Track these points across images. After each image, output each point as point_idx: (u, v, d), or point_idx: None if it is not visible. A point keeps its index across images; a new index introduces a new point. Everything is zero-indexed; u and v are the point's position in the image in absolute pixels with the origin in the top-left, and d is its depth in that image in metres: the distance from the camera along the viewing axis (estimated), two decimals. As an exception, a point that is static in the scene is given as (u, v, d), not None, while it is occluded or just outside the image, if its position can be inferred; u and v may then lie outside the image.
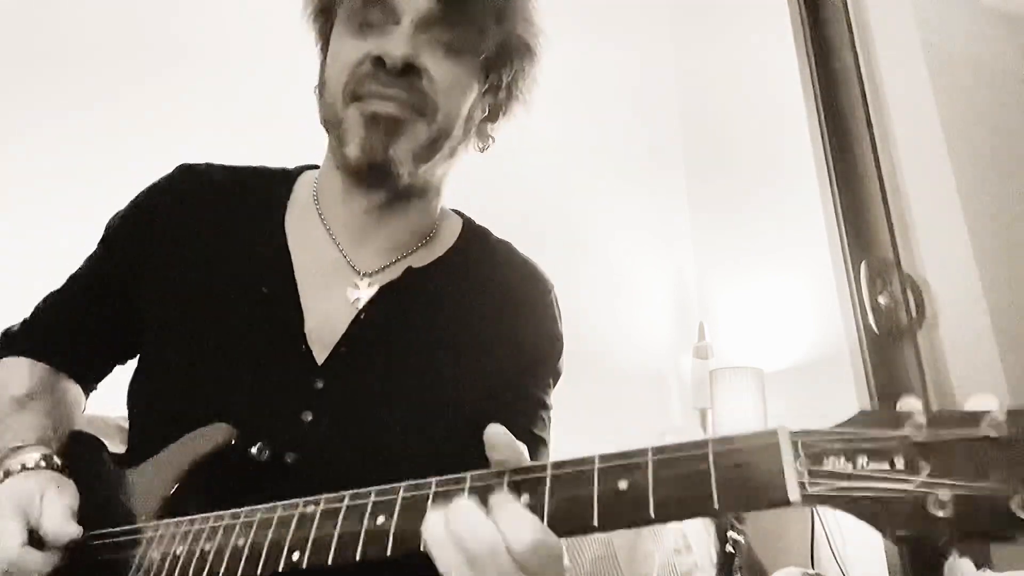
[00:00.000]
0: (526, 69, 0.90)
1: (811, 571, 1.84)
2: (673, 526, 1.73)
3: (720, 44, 2.77)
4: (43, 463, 0.78)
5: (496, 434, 0.56)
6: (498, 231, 1.01)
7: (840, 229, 2.03)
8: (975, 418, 0.43)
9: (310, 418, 0.80)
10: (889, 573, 1.80)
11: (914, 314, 1.85)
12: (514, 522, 0.52)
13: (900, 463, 0.44)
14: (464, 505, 0.54)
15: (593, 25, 2.76)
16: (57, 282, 0.96)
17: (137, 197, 0.95)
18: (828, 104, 2.15)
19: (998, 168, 1.87)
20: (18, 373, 0.88)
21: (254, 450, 0.78)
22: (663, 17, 2.98)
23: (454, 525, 0.53)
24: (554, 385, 0.94)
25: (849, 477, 0.45)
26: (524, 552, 0.51)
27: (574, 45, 2.68)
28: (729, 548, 1.84)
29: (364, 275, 0.87)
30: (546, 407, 0.91)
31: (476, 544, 0.52)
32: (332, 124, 0.84)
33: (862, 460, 0.45)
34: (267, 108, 1.90)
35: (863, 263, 1.94)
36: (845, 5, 2.16)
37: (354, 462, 0.64)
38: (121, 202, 0.96)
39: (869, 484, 0.44)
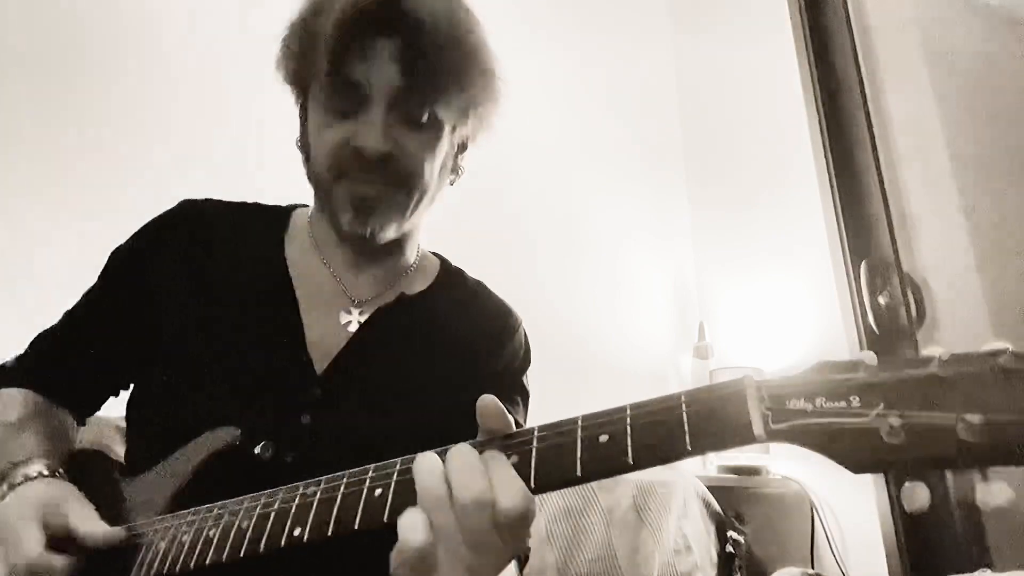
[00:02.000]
0: (490, 111, 0.95)
1: (811, 571, 1.84)
2: (672, 527, 1.73)
3: (720, 44, 2.77)
4: (45, 471, 0.80)
5: (488, 404, 0.61)
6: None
7: (840, 229, 2.03)
8: (923, 361, 0.48)
9: (308, 421, 0.85)
10: (889, 573, 1.80)
11: (914, 314, 1.85)
12: (507, 483, 0.56)
13: (856, 401, 0.49)
14: (465, 450, 0.58)
15: (593, 25, 2.76)
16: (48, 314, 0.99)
17: (139, 231, 1.00)
18: (828, 104, 2.15)
19: (998, 168, 1.87)
20: (12, 401, 0.91)
21: (258, 449, 0.82)
22: (663, 17, 2.98)
23: (451, 464, 0.57)
24: (525, 404, 1.01)
25: (809, 414, 0.50)
26: (508, 512, 0.55)
27: (574, 45, 2.68)
28: (729, 548, 1.84)
29: (358, 303, 0.95)
30: (516, 423, 0.96)
31: (467, 491, 0.55)
32: (322, 191, 0.92)
33: (820, 400, 0.50)
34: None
35: (863, 263, 1.94)
36: (845, 5, 2.16)
37: (348, 461, 0.68)
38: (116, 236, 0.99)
39: (827, 419, 0.49)
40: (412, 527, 0.56)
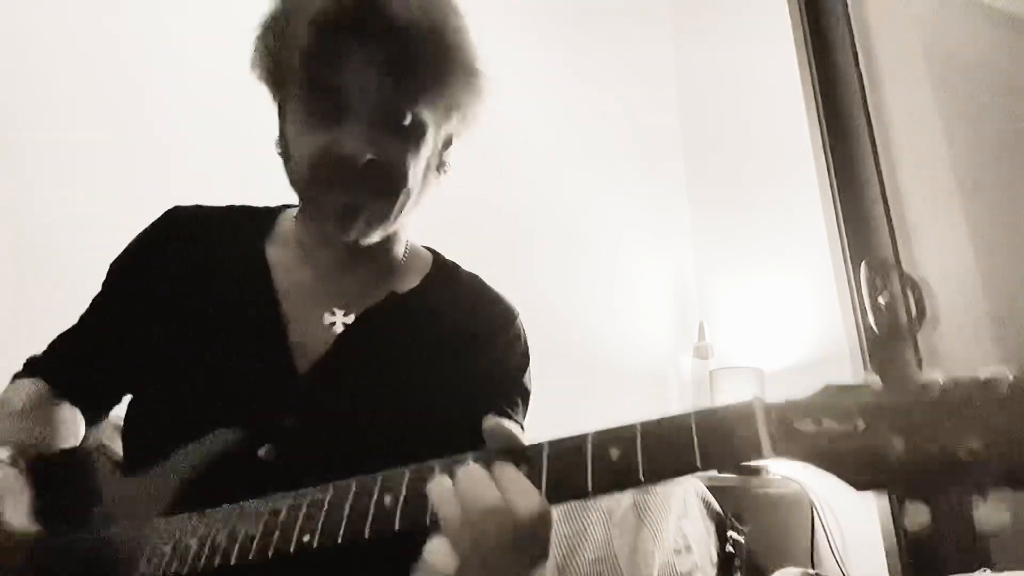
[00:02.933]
0: (474, 108, 0.92)
1: (811, 571, 1.84)
2: (672, 527, 1.73)
3: (720, 44, 2.77)
4: (5, 460, 0.81)
5: (493, 427, 0.62)
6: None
7: (840, 229, 2.04)
8: (926, 385, 0.50)
9: (291, 423, 0.84)
10: (889, 573, 1.80)
11: (914, 314, 1.85)
12: (519, 491, 0.57)
13: (861, 423, 0.51)
14: (473, 468, 0.59)
15: (593, 24, 2.76)
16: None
17: (131, 242, 1.00)
18: (828, 104, 2.15)
19: (998, 168, 1.87)
20: (22, 392, 0.94)
21: (262, 452, 0.81)
22: (663, 17, 2.98)
23: (461, 484, 0.58)
24: (524, 404, 0.99)
25: (815, 436, 0.52)
26: (525, 519, 0.56)
27: (575, 45, 2.68)
28: (729, 548, 1.84)
29: (344, 304, 0.94)
30: (513, 423, 0.96)
31: (480, 504, 0.57)
32: (303, 196, 0.91)
33: (827, 422, 0.52)
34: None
35: (863, 263, 1.94)
36: (845, 5, 2.16)
37: (332, 462, 0.68)
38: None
39: (833, 441, 0.51)
40: (440, 554, 0.57)
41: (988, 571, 1.34)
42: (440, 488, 0.59)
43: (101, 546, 0.78)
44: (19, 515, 0.76)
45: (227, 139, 1.91)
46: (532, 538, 0.58)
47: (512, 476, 0.58)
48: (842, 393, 0.53)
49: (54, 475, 0.85)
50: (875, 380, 0.52)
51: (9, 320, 1.56)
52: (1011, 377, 0.48)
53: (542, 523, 0.57)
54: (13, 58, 1.77)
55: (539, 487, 0.58)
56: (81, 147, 1.80)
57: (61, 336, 1.01)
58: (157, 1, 1.99)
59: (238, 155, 1.88)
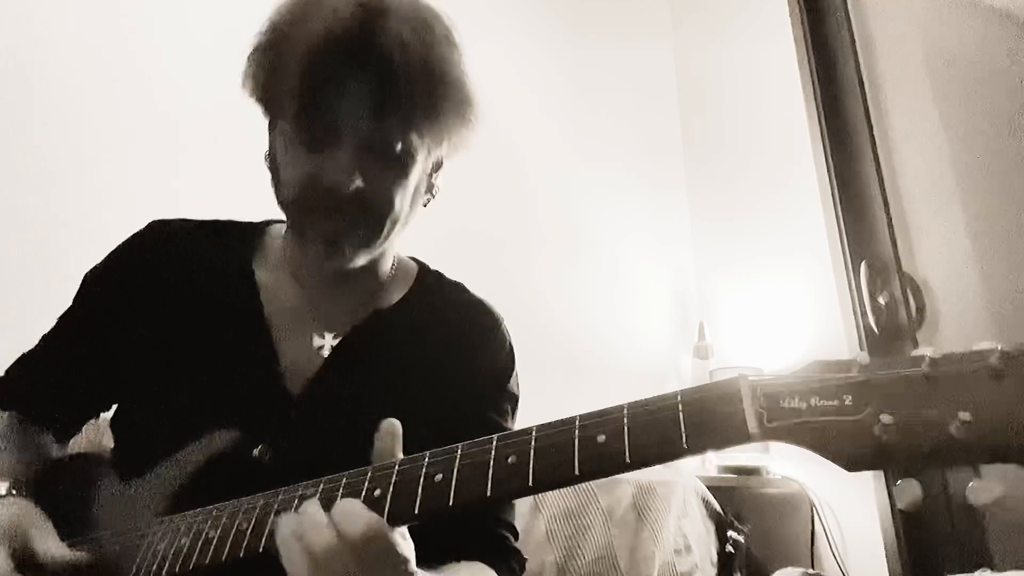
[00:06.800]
0: (465, 136, 0.91)
1: (811, 571, 1.84)
2: (672, 527, 1.73)
3: (720, 44, 2.77)
4: (3, 491, 0.81)
5: (387, 428, 0.67)
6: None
7: (840, 229, 2.04)
8: (915, 360, 0.49)
9: (286, 446, 0.85)
10: (889, 573, 1.80)
11: (914, 314, 1.85)
12: (347, 514, 0.60)
13: (848, 400, 0.50)
14: (310, 509, 0.62)
15: (593, 25, 2.76)
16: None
17: (111, 253, 0.99)
18: (828, 104, 2.15)
19: (998, 168, 1.87)
20: None
21: (256, 452, 0.83)
22: (663, 17, 2.98)
23: (301, 528, 0.61)
24: (513, 410, 0.99)
25: (803, 413, 0.51)
26: (355, 539, 0.59)
27: (574, 46, 2.68)
28: (729, 548, 1.84)
29: (332, 325, 0.94)
30: (504, 430, 0.95)
31: (317, 547, 0.59)
32: (291, 219, 0.91)
33: (814, 399, 0.51)
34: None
35: (863, 263, 1.95)
36: (845, 5, 2.16)
37: (323, 471, 0.70)
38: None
39: (821, 418, 0.50)
40: None
41: (988, 571, 1.34)
42: (284, 531, 0.62)
43: (98, 549, 0.78)
44: (52, 543, 0.76)
45: (220, 146, 1.91)
46: (375, 561, 0.60)
47: (346, 508, 0.61)
48: (829, 369, 0.52)
49: (52, 484, 0.85)
50: (863, 355, 0.51)
51: (9, 321, 1.56)
52: (1001, 349, 0.47)
53: (370, 540, 0.59)
54: (13, 59, 1.77)
55: (526, 473, 0.58)
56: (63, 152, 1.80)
57: (23, 360, 0.99)
58: (156, 4, 1.99)
59: (231, 164, 1.88)
